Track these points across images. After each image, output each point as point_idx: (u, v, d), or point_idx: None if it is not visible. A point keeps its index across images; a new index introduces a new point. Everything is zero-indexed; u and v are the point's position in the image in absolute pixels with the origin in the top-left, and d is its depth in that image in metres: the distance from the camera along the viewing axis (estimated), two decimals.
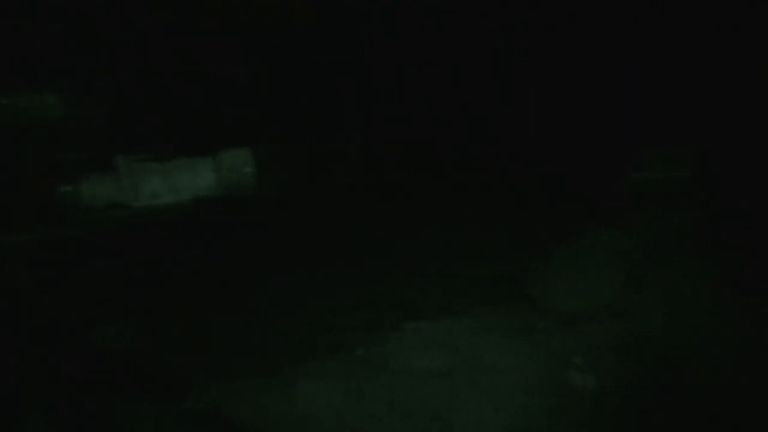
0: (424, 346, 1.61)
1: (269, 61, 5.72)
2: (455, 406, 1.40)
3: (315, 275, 2.88)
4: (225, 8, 5.19)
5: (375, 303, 2.33)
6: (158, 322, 2.40)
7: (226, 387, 1.70)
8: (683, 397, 1.46)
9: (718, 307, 1.44)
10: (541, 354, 1.45)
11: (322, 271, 2.95)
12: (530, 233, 2.61)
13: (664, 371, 1.42)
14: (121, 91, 4.55)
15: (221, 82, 5.09)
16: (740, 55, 4.64)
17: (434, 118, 5.76)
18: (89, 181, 3.99)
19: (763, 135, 4.22)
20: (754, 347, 1.39)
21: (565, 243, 1.78)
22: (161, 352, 2.03)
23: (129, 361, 1.91)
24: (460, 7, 5.63)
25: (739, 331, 1.42)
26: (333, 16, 5.80)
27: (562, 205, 3.15)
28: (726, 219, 1.94)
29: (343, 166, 4.54)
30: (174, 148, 4.36)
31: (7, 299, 2.52)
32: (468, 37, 5.72)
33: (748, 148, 4.61)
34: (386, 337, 1.81)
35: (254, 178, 4.43)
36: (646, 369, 1.43)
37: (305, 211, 3.88)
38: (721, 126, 5.06)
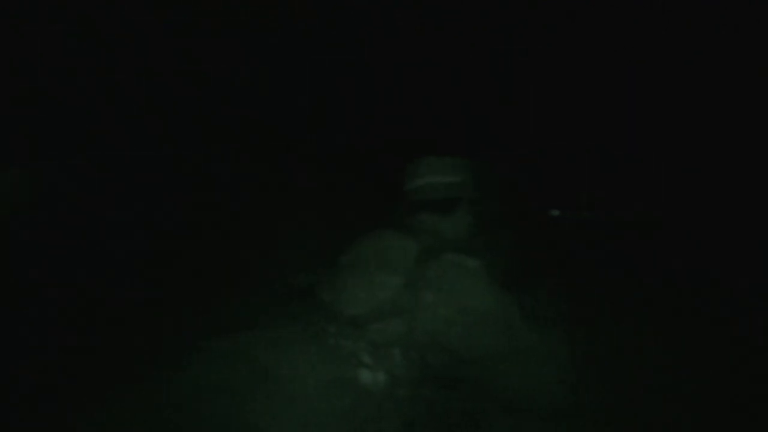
0: (223, 362, 1.64)
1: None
2: (253, 417, 1.45)
3: (99, 297, 2.70)
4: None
5: (173, 322, 2.29)
6: None
7: (17, 426, 1.63)
8: (467, 385, 1.56)
9: (493, 301, 1.54)
10: (332, 357, 1.54)
11: (110, 292, 2.76)
12: (322, 243, 2.63)
13: (448, 362, 1.53)
14: None
15: None
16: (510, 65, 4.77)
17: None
18: None
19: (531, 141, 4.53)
20: (530, 337, 1.51)
21: (353, 250, 1.87)
22: None
23: None
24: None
25: (514, 321, 1.53)
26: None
27: (351, 213, 3.19)
28: (495, 220, 2.07)
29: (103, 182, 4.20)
30: None
31: None
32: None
33: (520, 155, 4.86)
34: (187, 355, 1.81)
35: None
36: (431, 362, 1.53)
37: (61, 232, 3.54)
38: (494, 131, 5.33)
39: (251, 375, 1.56)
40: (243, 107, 5.55)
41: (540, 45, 5.37)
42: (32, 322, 2.38)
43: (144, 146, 4.66)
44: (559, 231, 2.60)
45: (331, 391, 1.47)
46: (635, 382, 1.85)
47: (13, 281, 2.74)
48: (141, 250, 3.24)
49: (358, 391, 1.47)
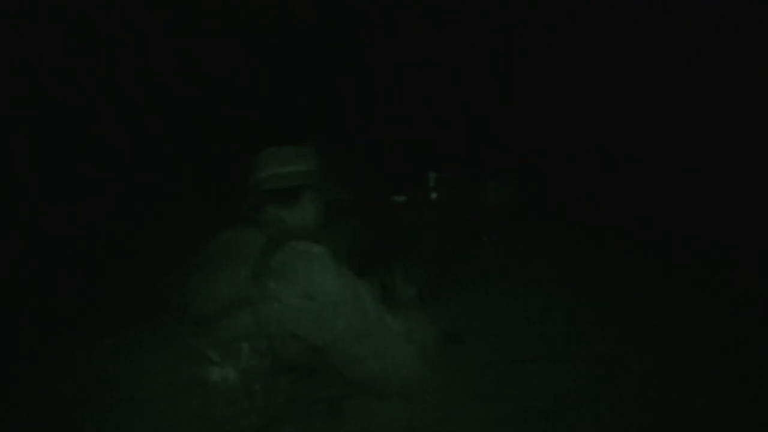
0: (64, 375, 1.56)
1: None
2: (105, 425, 1.38)
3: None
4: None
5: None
6: None
7: None
8: (324, 372, 1.51)
9: (341, 286, 1.46)
10: (180, 358, 1.45)
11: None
12: (172, 243, 2.53)
13: (302, 351, 1.46)
14: None
15: None
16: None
17: None
18: None
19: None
20: (384, 319, 1.46)
21: (201, 247, 1.76)
22: None
23: None
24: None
25: (366, 304, 1.45)
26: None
27: (198, 210, 3.11)
28: (342, 207, 2.03)
29: None
30: None
31: None
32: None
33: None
34: (26, 369, 1.71)
35: None
36: (284, 352, 1.47)
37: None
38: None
39: (95, 384, 1.48)
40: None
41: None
42: None
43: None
44: (408, 214, 2.56)
45: (179, 393, 1.41)
46: (494, 359, 1.84)
47: None
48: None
49: (208, 391, 1.43)
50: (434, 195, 2.40)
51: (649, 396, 1.61)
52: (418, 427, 1.47)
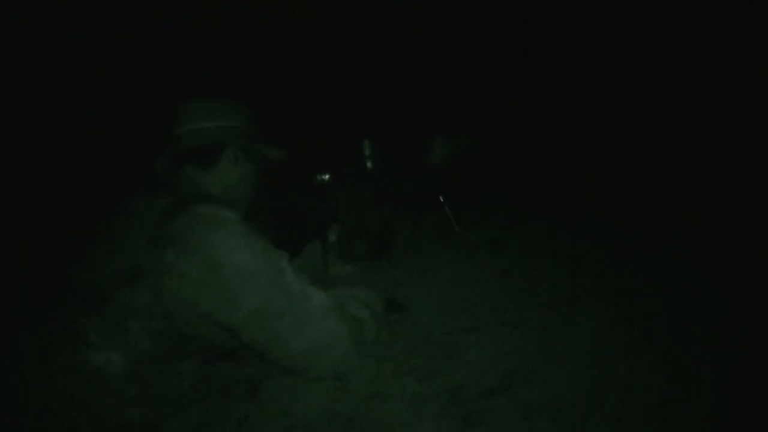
0: None
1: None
2: None
3: None
4: None
5: None
6: None
7: None
8: (238, 352, 1.40)
9: (250, 255, 1.29)
10: (64, 341, 1.27)
11: None
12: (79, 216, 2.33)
13: (207, 329, 1.31)
14: None
15: None
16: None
17: None
18: None
19: None
20: (301, 291, 1.32)
21: (105, 217, 1.50)
22: None
23: None
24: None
25: (280, 277, 1.29)
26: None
27: (109, 181, 2.97)
28: (263, 168, 1.83)
29: None
30: None
31: None
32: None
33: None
34: None
35: None
36: (183, 331, 1.30)
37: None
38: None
39: None
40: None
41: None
42: None
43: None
44: (343, 187, 2.32)
45: (56, 382, 1.28)
46: (437, 330, 1.70)
47: None
48: None
49: (93, 376, 1.23)
50: (371, 164, 2.14)
51: (605, 372, 1.47)
52: (346, 409, 1.30)
